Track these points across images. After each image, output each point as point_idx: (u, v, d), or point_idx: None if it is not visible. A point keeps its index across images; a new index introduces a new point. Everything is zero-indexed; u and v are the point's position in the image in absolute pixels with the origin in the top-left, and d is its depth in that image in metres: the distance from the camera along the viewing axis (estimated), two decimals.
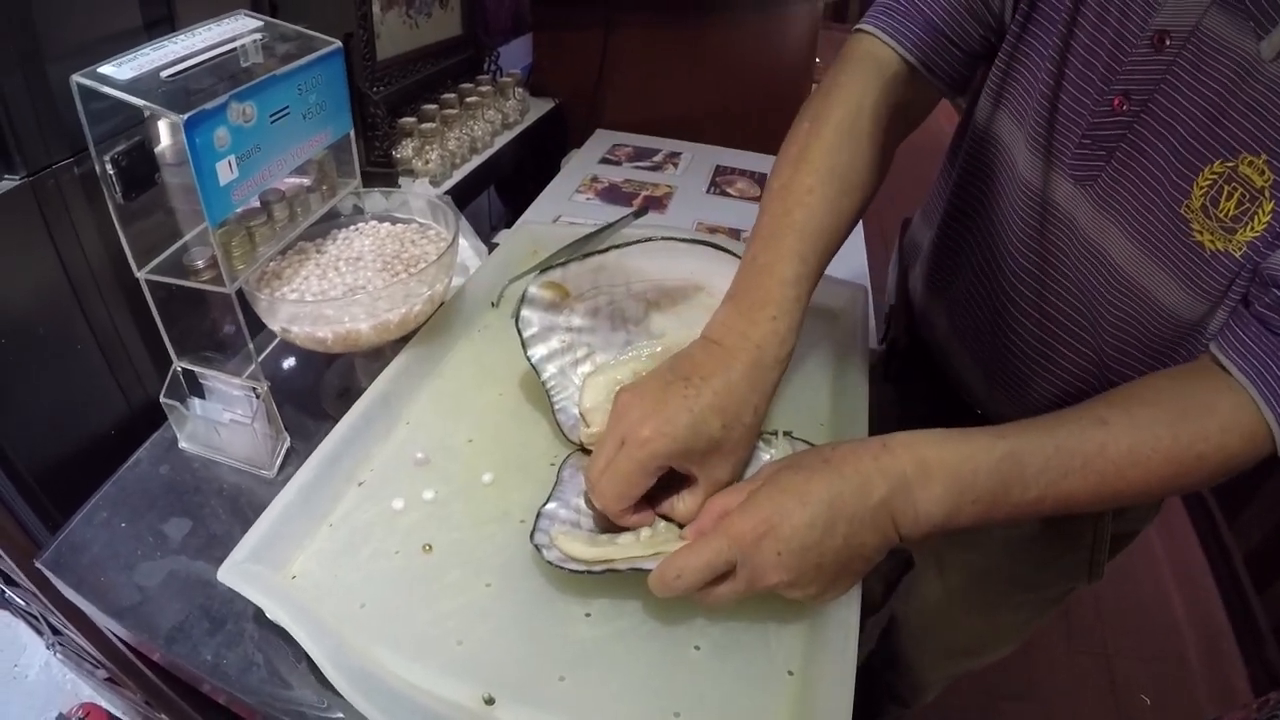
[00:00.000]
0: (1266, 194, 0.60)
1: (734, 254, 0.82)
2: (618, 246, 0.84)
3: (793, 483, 0.61)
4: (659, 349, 0.84)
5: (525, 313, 0.80)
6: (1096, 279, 0.75)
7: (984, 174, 0.87)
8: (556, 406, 0.79)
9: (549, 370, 0.80)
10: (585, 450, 0.78)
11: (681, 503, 0.68)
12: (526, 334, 0.79)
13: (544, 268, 0.82)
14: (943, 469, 0.60)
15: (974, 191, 0.89)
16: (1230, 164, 0.62)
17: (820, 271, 0.74)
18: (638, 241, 0.84)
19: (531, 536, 0.67)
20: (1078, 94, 0.72)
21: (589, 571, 0.64)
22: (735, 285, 0.73)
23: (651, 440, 0.63)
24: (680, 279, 0.84)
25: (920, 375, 1.02)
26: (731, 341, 0.69)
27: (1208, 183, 0.63)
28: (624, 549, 0.65)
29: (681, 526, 0.69)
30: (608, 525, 0.70)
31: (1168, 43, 0.65)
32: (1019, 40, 0.79)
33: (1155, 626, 2.19)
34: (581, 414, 0.78)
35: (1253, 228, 0.61)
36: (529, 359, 0.79)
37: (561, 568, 0.64)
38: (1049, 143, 0.76)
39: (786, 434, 0.76)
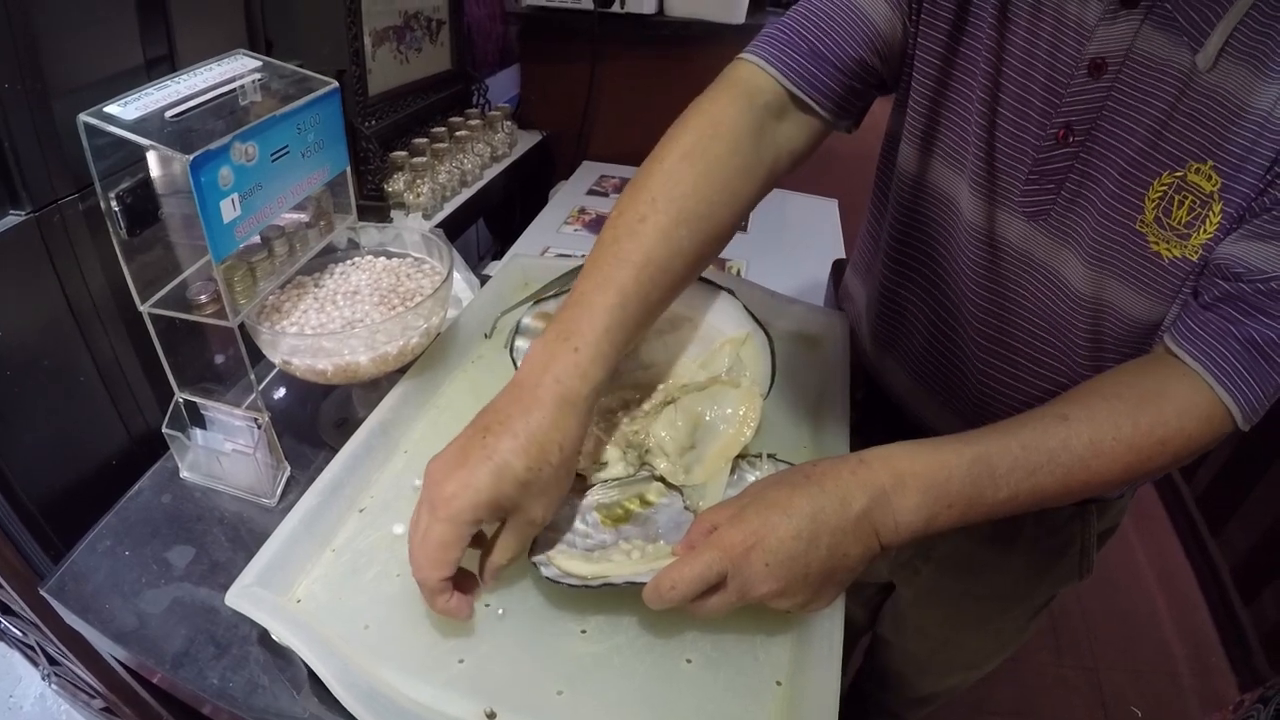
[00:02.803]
0: (1215, 197, 0.63)
1: (718, 285, 0.85)
2: None
3: (777, 498, 0.63)
4: (646, 379, 0.86)
5: (519, 343, 0.82)
6: (1060, 305, 0.76)
7: (923, 225, 0.87)
8: None
9: None
10: (577, 477, 0.79)
11: (495, 553, 0.66)
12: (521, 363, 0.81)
13: (536, 299, 0.84)
14: (916, 479, 0.63)
15: (915, 244, 0.89)
16: (1178, 174, 0.64)
17: (649, 304, 0.71)
18: None
19: (529, 554, 0.69)
20: (1016, 131, 0.73)
21: (586, 586, 0.66)
22: (550, 323, 0.70)
23: (456, 496, 0.61)
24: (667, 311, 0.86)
25: (880, 426, 1.01)
26: (533, 379, 0.66)
27: (1159, 195, 0.66)
28: (619, 566, 0.68)
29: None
30: (602, 545, 0.72)
31: (1105, 68, 0.66)
32: (942, 86, 0.79)
33: (1144, 639, 2.20)
34: None
35: (1205, 230, 0.64)
36: None
37: (559, 583, 0.66)
38: (992, 184, 0.77)
39: (770, 456, 0.78)
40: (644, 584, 0.63)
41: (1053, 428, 0.64)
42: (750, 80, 0.81)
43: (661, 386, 0.86)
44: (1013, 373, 0.83)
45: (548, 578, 0.66)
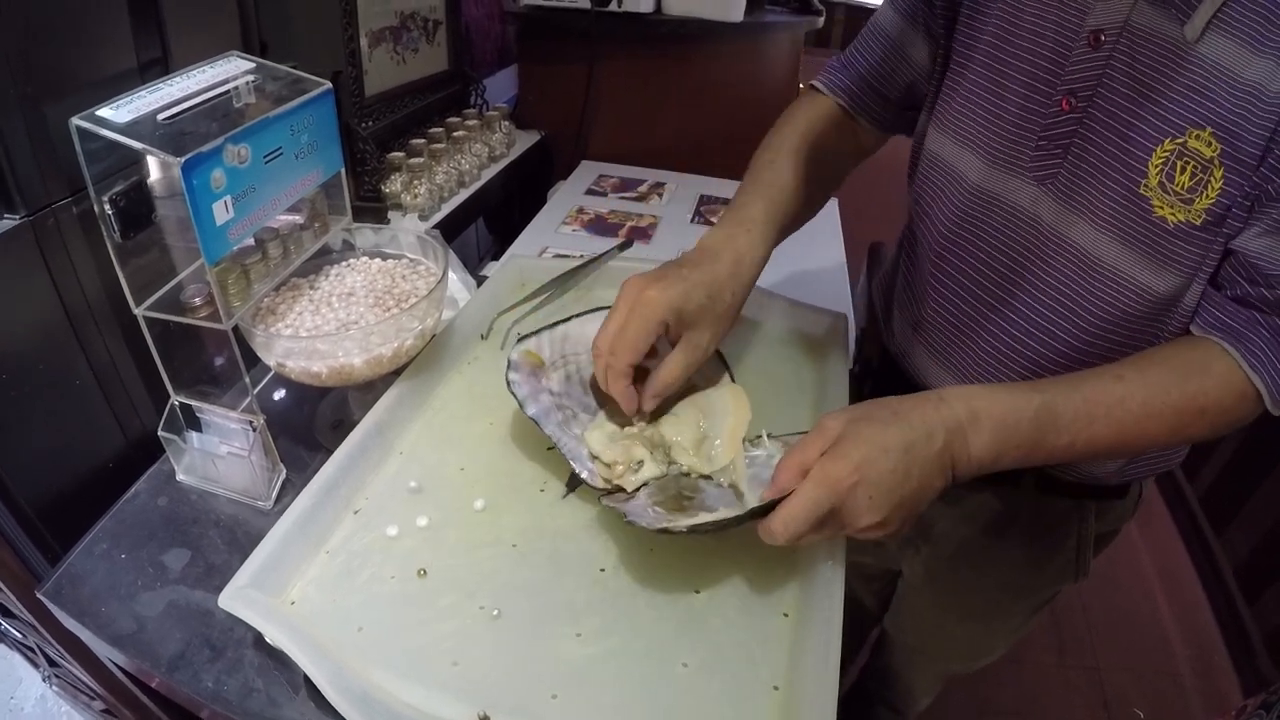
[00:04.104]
0: (1216, 162, 0.67)
1: None
2: (579, 315, 0.91)
3: (871, 434, 0.66)
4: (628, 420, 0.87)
5: (513, 376, 0.82)
6: (1071, 272, 0.79)
7: (935, 195, 0.92)
8: (572, 463, 0.80)
9: (549, 427, 0.81)
10: (609, 490, 0.78)
11: (665, 368, 0.82)
12: (520, 395, 0.81)
13: (520, 337, 0.88)
14: (990, 418, 0.68)
15: (927, 214, 0.94)
16: (1179, 140, 0.68)
17: (787, 215, 0.91)
18: (591, 311, 0.91)
19: (626, 517, 0.71)
20: (1024, 102, 0.79)
21: (675, 531, 0.68)
22: (720, 221, 0.90)
23: (655, 299, 0.78)
24: None
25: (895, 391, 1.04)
26: (717, 245, 0.86)
27: (1161, 160, 0.69)
28: (713, 516, 0.70)
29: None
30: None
31: (1103, 40, 0.71)
32: (962, 70, 0.86)
33: (1146, 640, 2.20)
34: (595, 457, 0.80)
35: (1207, 195, 0.68)
36: (531, 417, 0.80)
37: (671, 529, 0.68)
38: (1002, 152, 0.82)
39: (770, 436, 0.80)
40: (742, 517, 0.68)
41: (1110, 386, 0.70)
42: (818, 100, 1.02)
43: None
44: (1021, 340, 0.86)
45: (662, 529, 0.69)
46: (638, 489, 0.77)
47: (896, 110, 1.00)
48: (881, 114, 1.00)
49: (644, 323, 0.78)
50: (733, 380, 0.90)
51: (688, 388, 0.88)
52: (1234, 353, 0.69)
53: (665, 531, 0.69)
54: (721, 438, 0.82)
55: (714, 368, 0.91)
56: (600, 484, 0.78)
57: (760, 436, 0.80)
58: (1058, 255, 0.80)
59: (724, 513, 0.70)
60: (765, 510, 0.67)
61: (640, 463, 0.78)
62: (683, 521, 0.69)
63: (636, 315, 0.78)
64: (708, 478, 0.79)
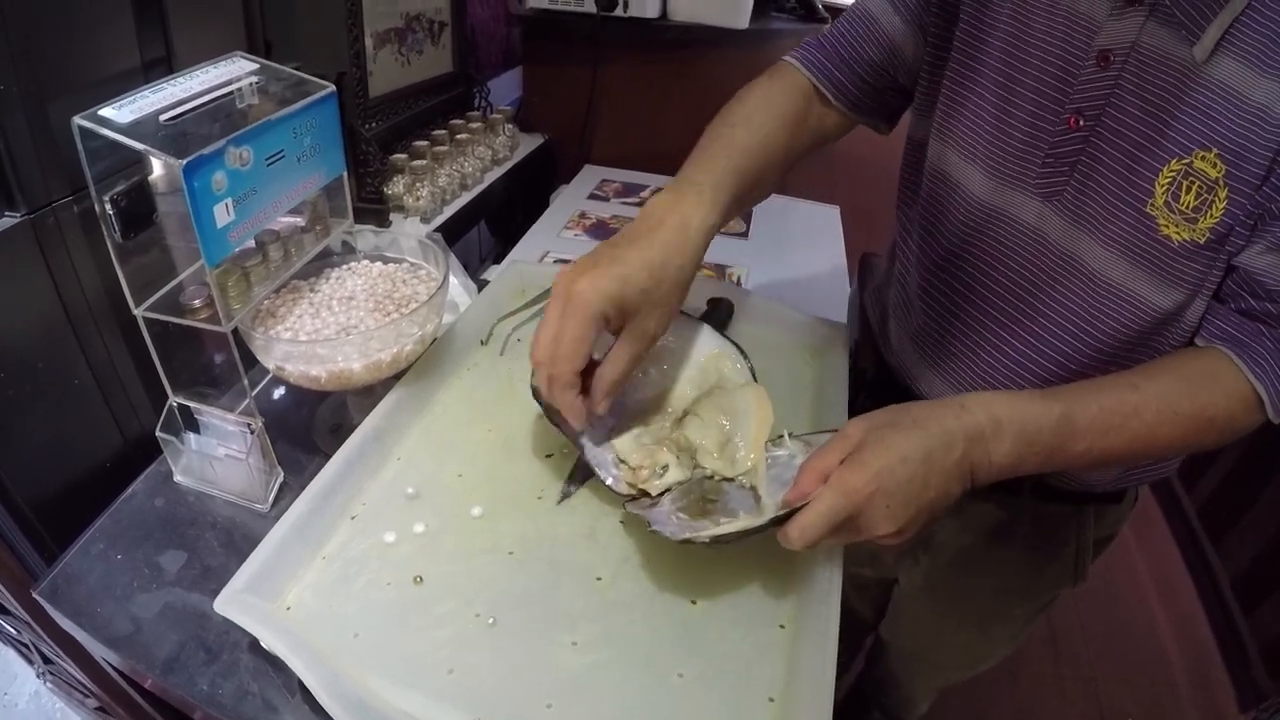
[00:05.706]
0: (1221, 183, 0.67)
1: (692, 316, 0.91)
2: None
3: (892, 440, 0.66)
4: (650, 405, 0.87)
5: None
6: (1076, 288, 0.80)
7: (941, 210, 0.92)
8: (598, 470, 0.80)
9: (582, 438, 0.81)
10: (635, 496, 0.78)
11: (608, 364, 0.74)
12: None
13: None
14: (1012, 426, 0.68)
15: (934, 228, 0.94)
16: (1185, 161, 0.69)
17: (742, 183, 0.83)
18: None
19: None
20: (1032, 119, 0.79)
21: (698, 542, 0.68)
22: (666, 186, 0.81)
23: (587, 291, 0.69)
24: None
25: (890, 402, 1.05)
26: (659, 212, 0.76)
27: (1167, 180, 0.70)
28: (735, 525, 0.70)
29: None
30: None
31: (1112, 60, 0.72)
32: (963, 82, 0.85)
33: (1143, 651, 2.20)
34: (621, 461, 0.80)
35: (1212, 214, 0.69)
36: (572, 438, 0.81)
37: (694, 539, 0.68)
38: (1009, 168, 0.82)
39: (791, 435, 0.80)
40: (753, 530, 0.68)
41: (1126, 395, 0.70)
42: (792, 75, 0.96)
43: (670, 408, 0.87)
44: (1025, 353, 0.86)
45: (685, 539, 0.68)
46: (661, 494, 0.77)
47: (875, 95, 0.96)
48: (861, 99, 0.96)
49: (579, 324, 0.69)
50: (754, 378, 0.89)
51: (711, 388, 0.87)
52: (1238, 361, 0.70)
53: (688, 542, 0.68)
54: (744, 440, 0.81)
55: (736, 367, 0.90)
56: (625, 489, 0.78)
57: (782, 436, 0.80)
58: (1063, 271, 0.80)
59: (745, 521, 0.70)
60: (786, 518, 0.67)
61: (665, 467, 0.78)
62: (705, 531, 0.69)
63: (570, 318, 0.70)
64: (730, 479, 0.79)
